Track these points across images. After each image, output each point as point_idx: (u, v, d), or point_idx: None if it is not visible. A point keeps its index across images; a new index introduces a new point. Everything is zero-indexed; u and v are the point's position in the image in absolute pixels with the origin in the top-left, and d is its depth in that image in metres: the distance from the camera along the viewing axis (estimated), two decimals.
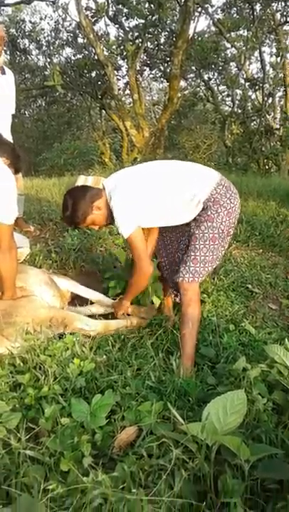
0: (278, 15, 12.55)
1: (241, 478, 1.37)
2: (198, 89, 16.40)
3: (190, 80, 15.87)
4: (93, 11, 10.73)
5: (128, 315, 2.72)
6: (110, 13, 11.34)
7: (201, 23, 17.88)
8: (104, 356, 2.22)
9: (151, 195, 2.39)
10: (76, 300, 2.92)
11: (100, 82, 13.84)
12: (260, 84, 12.64)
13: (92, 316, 2.71)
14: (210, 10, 11.74)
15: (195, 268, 2.35)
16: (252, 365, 1.90)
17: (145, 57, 13.06)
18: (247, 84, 13.92)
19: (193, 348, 2.29)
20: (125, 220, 2.35)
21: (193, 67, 13.88)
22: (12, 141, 3.31)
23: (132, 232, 2.35)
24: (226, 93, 16.51)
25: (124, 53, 10.96)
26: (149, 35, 11.57)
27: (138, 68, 12.60)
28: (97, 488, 1.27)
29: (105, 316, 2.78)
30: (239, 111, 14.00)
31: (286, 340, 2.00)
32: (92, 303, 2.92)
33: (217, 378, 2.04)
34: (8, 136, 3.68)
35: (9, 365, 2.05)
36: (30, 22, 14.78)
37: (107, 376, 2.00)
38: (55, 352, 2.05)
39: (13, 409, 1.71)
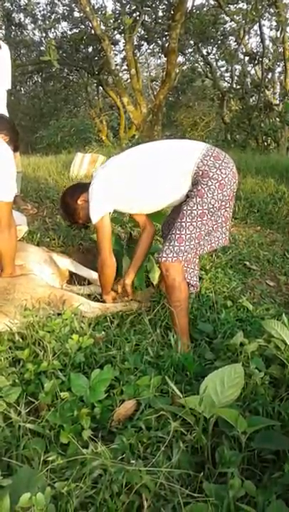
0: None
1: (238, 450, 1.40)
2: (197, 64, 16.12)
3: (188, 54, 15.56)
4: None
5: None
6: None
7: None
8: (103, 332, 2.23)
9: (133, 179, 2.36)
10: (74, 277, 2.92)
11: (96, 58, 13.60)
12: (260, 59, 12.41)
13: (90, 296, 2.71)
14: None
15: (180, 247, 2.21)
16: (249, 340, 1.91)
17: (143, 32, 12.79)
18: (246, 59, 13.67)
19: (187, 323, 2.28)
20: (94, 205, 2.38)
21: (192, 42, 13.60)
22: (9, 117, 3.27)
23: (100, 219, 2.38)
24: (224, 68, 16.24)
25: (122, 27, 10.72)
26: (147, 8, 11.30)
27: (135, 43, 12.36)
28: (96, 460, 1.29)
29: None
30: (238, 87, 13.79)
31: (284, 315, 2.01)
32: (90, 282, 2.93)
33: (215, 353, 2.06)
34: (4, 112, 3.63)
35: (8, 341, 2.07)
36: None
37: (106, 351, 2.02)
38: (54, 328, 2.07)
39: (12, 384, 1.73)
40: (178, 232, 2.22)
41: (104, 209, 2.39)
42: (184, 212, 2.23)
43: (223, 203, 2.27)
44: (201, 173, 2.22)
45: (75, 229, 3.73)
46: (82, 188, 2.57)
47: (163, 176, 2.30)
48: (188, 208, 2.22)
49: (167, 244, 2.24)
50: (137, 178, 2.35)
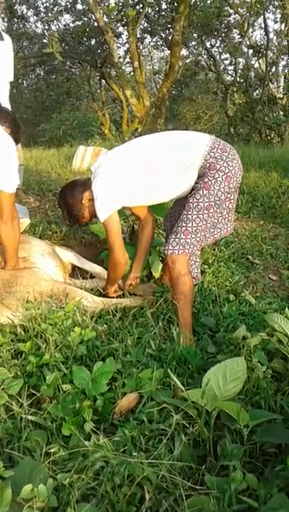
0: None
1: (240, 443, 1.40)
2: (200, 57, 16.01)
3: (192, 47, 15.46)
4: None
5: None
6: None
7: None
8: (105, 325, 2.23)
9: (137, 172, 2.30)
10: (77, 271, 2.92)
11: (99, 51, 13.53)
12: (264, 52, 12.32)
13: (92, 290, 2.71)
14: None
15: (186, 240, 2.20)
16: (252, 333, 1.90)
17: (146, 24, 12.70)
18: (250, 52, 13.58)
19: (190, 316, 2.26)
20: (102, 203, 2.30)
21: (195, 35, 13.51)
22: (11, 109, 3.26)
23: (108, 216, 2.30)
24: (228, 61, 16.15)
25: (125, 19, 10.64)
26: (150, 1, 11.20)
27: (139, 35, 12.28)
28: (98, 452, 1.29)
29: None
30: (242, 80, 13.70)
31: (286, 309, 2.00)
32: (92, 276, 2.92)
33: (217, 347, 2.05)
34: (7, 105, 3.61)
35: (10, 333, 2.07)
36: None
37: (108, 344, 2.02)
38: (56, 321, 2.06)
39: (15, 376, 1.73)
40: (184, 224, 2.21)
41: (112, 207, 2.31)
42: (190, 204, 2.21)
43: (229, 195, 2.26)
44: (208, 165, 2.19)
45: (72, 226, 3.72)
46: (82, 186, 2.48)
47: (169, 168, 2.26)
48: (195, 201, 2.20)
49: (173, 236, 2.22)
50: (141, 171, 2.30)
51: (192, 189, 2.27)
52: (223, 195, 2.21)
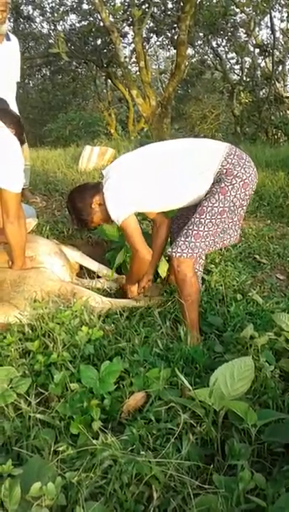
0: None
1: (248, 442, 1.40)
2: (206, 57, 15.99)
3: (198, 47, 15.43)
4: None
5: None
6: None
7: None
8: (113, 324, 2.23)
9: (150, 179, 2.28)
10: (84, 270, 2.93)
11: (105, 50, 13.55)
12: (270, 51, 12.29)
13: (99, 289, 2.71)
14: None
15: (196, 243, 2.17)
16: (259, 333, 1.90)
17: (152, 24, 12.70)
18: (256, 51, 13.54)
19: (197, 316, 2.25)
20: (116, 206, 2.27)
21: (201, 34, 13.49)
22: (17, 109, 3.28)
23: (124, 218, 2.26)
24: (234, 60, 16.12)
25: (131, 19, 10.65)
26: (156, 0, 11.21)
27: (144, 35, 12.27)
28: (106, 451, 1.30)
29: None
30: (248, 79, 13.68)
31: None
32: (99, 276, 2.92)
33: (224, 346, 2.05)
34: (14, 104, 3.63)
35: (18, 332, 2.08)
36: None
37: (115, 344, 2.02)
38: (63, 320, 2.07)
39: (23, 375, 1.74)
40: (196, 228, 2.19)
41: (128, 209, 2.28)
42: (204, 208, 2.19)
43: (243, 202, 2.25)
44: (224, 171, 2.18)
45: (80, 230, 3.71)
46: (91, 190, 2.44)
47: (183, 174, 2.24)
48: (210, 205, 2.18)
49: (183, 239, 2.19)
50: (155, 179, 2.28)
51: (206, 193, 2.25)
52: (238, 201, 2.21)
